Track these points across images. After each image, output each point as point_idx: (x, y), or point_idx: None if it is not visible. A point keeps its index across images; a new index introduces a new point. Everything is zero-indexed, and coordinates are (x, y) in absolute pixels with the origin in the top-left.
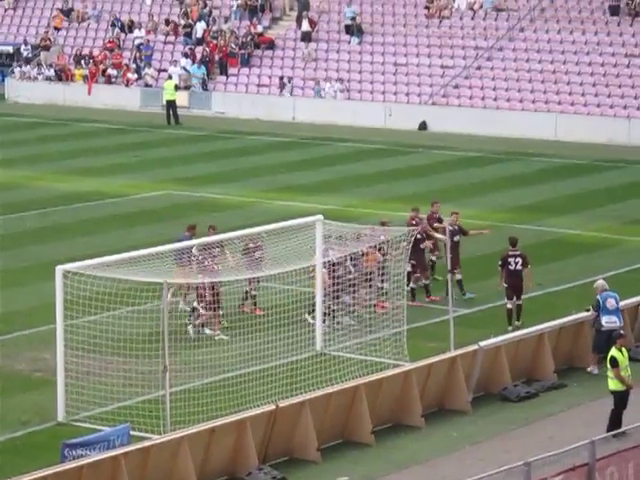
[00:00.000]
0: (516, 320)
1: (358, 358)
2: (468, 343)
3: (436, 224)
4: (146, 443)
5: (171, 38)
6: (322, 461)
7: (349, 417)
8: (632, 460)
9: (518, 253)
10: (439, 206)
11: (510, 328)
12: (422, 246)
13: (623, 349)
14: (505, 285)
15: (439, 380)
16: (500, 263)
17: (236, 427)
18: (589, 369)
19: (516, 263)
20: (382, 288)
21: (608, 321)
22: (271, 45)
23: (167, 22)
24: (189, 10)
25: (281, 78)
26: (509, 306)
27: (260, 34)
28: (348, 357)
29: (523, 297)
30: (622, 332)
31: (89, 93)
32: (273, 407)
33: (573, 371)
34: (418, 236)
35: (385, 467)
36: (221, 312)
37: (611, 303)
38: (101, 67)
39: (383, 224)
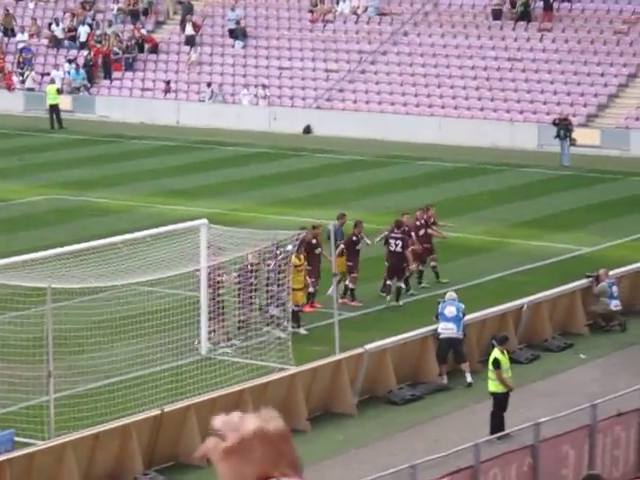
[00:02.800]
0: (394, 300)
1: (243, 362)
2: (354, 346)
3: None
4: (30, 449)
5: (55, 42)
6: (208, 465)
7: None
8: (515, 462)
9: (400, 236)
10: (434, 212)
11: (388, 299)
12: (358, 247)
13: (505, 352)
14: (386, 264)
15: (324, 383)
16: (383, 242)
17: (121, 432)
18: (442, 381)
19: (396, 245)
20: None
21: (444, 327)
22: (155, 49)
23: (49, 26)
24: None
25: (168, 82)
26: (388, 282)
27: (143, 38)
28: (233, 361)
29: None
30: (507, 335)
31: None
32: (158, 412)
33: (458, 374)
34: (354, 238)
35: None
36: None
37: (450, 310)
38: None
39: (314, 228)
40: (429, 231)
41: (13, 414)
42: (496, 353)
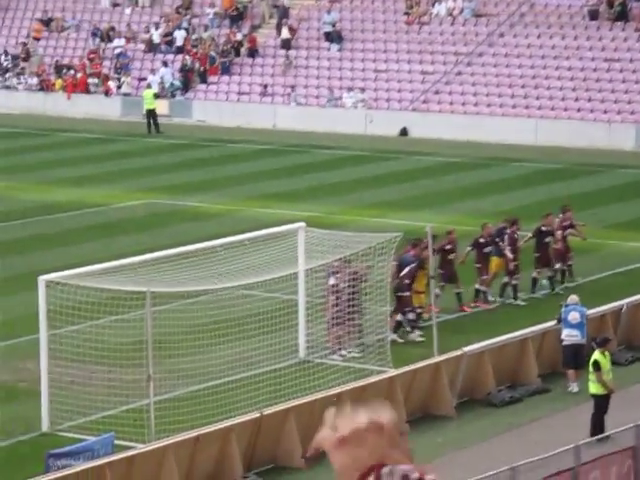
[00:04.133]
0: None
1: (342, 365)
2: (453, 349)
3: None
4: (130, 452)
5: (151, 46)
6: (307, 469)
7: None
8: (615, 464)
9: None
10: (571, 214)
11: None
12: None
13: (606, 353)
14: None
15: (423, 386)
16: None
17: (221, 435)
18: (569, 388)
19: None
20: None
21: (569, 335)
22: (252, 53)
23: (146, 31)
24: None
25: (265, 86)
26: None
27: (240, 42)
28: (332, 364)
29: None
30: (607, 337)
31: (68, 98)
32: (258, 415)
33: (557, 376)
34: (481, 240)
35: None
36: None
37: (574, 317)
38: (79, 76)
39: (449, 233)
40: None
41: (113, 417)
42: (596, 355)
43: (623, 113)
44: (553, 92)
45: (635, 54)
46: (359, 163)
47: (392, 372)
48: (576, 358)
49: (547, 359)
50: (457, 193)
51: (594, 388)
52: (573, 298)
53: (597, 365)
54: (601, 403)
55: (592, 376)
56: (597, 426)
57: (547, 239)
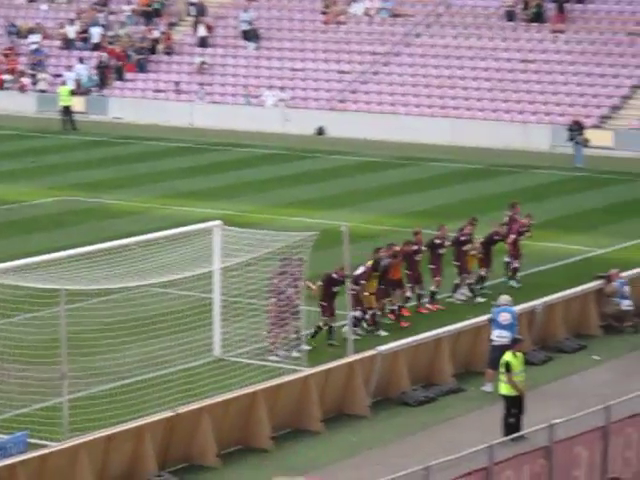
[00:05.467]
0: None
1: (257, 364)
2: (367, 348)
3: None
4: (43, 451)
5: (67, 43)
6: (222, 467)
7: (248, 423)
8: (528, 464)
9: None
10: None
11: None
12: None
13: (518, 354)
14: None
15: (338, 385)
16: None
17: (134, 434)
18: (483, 387)
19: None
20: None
21: (499, 335)
22: (168, 50)
23: (62, 27)
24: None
25: (177, 84)
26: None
27: (157, 40)
28: (247, 363)
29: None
30: (519, 337)
31: None
32: (172, 413)
33: (471, 375)
34: (436, 241)
35: (284, 472)
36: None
37: (505, 317)
38: None
39: (416, 234)
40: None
41: (27, 415)
42: (508, 356)
43: (538, 114)
44: (469, 92)
45: (551, 55)
46: (276, 162)
47: (307, 371)
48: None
49: (462, 359)
50: (374, 192)
51: (504, 389)
52: (504, 298)
53: (508, 366)
54: (511, 404)
55: (503, 377)
56: (508, 426)
57: (465, 247)
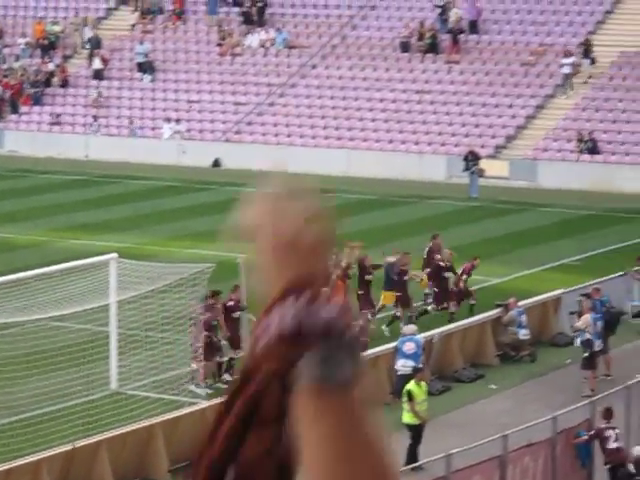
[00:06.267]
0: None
1: (154, 397)
2: None
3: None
4: None
5: None
6: None
7: (146, 456)
8: None
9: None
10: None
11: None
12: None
13: (422, 383)
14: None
15: None
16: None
17: (32, 468)
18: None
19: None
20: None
21: (403, 365)
22: (64, 83)
23: None
24: None
25: (57, 115)
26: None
27: (52, 72)
28: (144, 395)
29: None
30: (420, 367)
31: None
32: (70, 447)
33: None
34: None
35: None
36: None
37: (409, 347)
38: None
39: (406, 254)
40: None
41: None
42: (410, 385)
43: (434, 144)
44: (365, 123)
45: (446, 86)
46: (172, 194)
47: (205, 403)
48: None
49: None
50: None
51: (407, 418)
52: (410, 328)
53: (410, 395)
54: (414, 433)
55: (405, 405)
56: (411, 456)
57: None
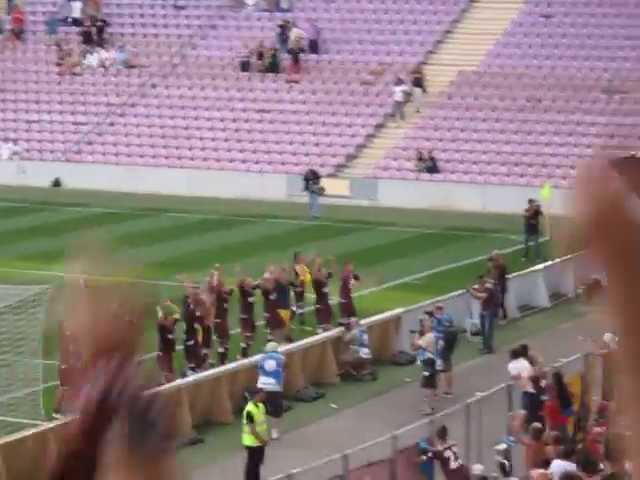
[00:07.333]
0: None
1: None
2: None
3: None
4: None
5: None
6: None
7: None
8: None
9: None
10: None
11: None
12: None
13: (260, 405)
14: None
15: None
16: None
17: None
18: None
19: None
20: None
21: (264, 382)
22: None
23: None
24: None
25: None
26: None
27: None
28: None
29: None
30: (260, 388)
31: None
32: None
33: (211, 425)
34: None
35: None
36: None
37: (270, 365)
38: None
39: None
40: None
41: None
42: (250, 406)
43: (274, 163)
44: (205, 142)
45: (286, 105)
46: (12, 215)
47: (46, 425)
48: (273, 406)
49: (201, 409)
50: (113, 244)
51: (248, 440)
52: (271, 345)
53: (250, 416)
54: (255, 454)
55: (246, 427)
56: (251, 478)
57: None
